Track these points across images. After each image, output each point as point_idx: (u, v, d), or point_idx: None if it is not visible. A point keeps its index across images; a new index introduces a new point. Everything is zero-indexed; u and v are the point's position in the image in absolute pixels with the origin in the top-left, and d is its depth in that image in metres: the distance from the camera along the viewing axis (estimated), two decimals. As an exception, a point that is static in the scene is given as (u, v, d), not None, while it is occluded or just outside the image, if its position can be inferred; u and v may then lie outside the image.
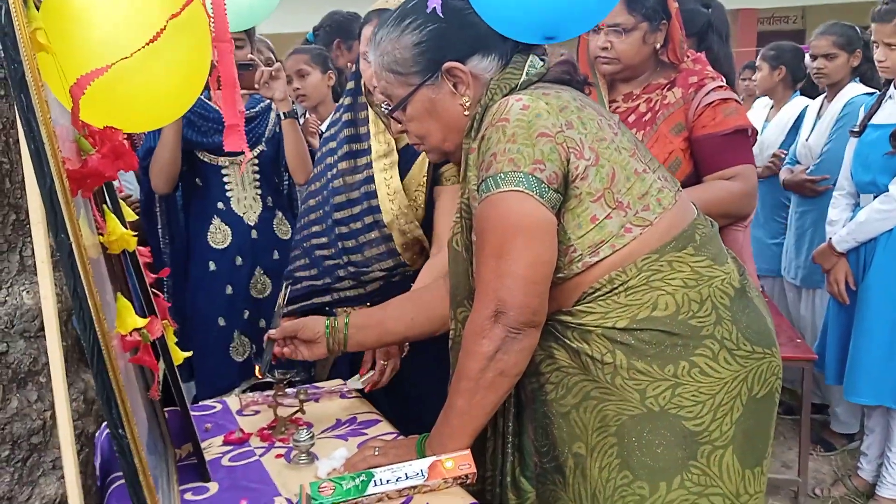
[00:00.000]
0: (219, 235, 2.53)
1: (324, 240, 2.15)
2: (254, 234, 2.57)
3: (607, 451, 1.29)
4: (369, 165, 2.07)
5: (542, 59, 1.44)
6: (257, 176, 2.60)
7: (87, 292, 0.95)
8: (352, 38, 3.36)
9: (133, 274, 1.44)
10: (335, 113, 2.21)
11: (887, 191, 2.68)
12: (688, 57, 2.23)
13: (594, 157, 1.27)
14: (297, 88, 3.02)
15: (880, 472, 2.95)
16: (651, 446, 1.26)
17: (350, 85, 2.15)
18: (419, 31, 1.38)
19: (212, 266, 2.53)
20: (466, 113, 1.39)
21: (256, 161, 2.59)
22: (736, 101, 2.17)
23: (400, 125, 1.49)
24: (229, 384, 2.50)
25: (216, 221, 2.53)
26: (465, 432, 1.36)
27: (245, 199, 2.56)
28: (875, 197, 2.75)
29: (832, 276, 2.86)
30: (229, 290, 2.53)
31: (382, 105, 1.52)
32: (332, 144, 2.17)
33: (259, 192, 2.59)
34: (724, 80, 2.61)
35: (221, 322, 2.53)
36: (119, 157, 1.03)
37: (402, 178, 2.03)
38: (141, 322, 1.15)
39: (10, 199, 1.27)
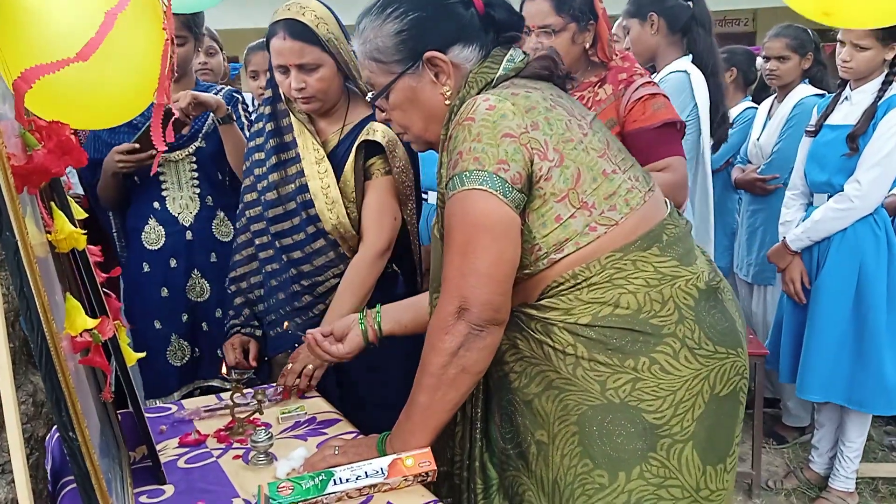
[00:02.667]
0: (153, 236, 2.44)
1: (270, 252, 2.12)
2: (189, 235, 2.46)
3: (569, 439, 1.30)
4: (301, 174, 2.05)
5: (525, 53, 1.44)
6: (195, 174, 2.48)
7: (34, 292, 0.92)
8: None
9: (83, 273, 1.40)
10: (256, 123, 2.18)
11: (842, 191, 2.74)
12: (616, 55, 2.29)
13: (558, 157, 1.28)
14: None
15: (832, 464, 3.01)
16: (611, 436, 1.27)
17: (267, 93, 2.12)
18: (401, 19, 1.38)
19: (146, 267, 2.44)
20: (447, 102, 1.40)
21: (194, 158, 2.47)
22: (664, 95, 2.24)
23: (384, 114, 1.49)
24: (167, 388, 2.44)
25: (151, 222, 2.43)
26: (427, 428, 1.36)
27: (181, 198, 2.46)
28: (829, 197, 2.79)
29: (787, 275, 2.90)
30: (165, 292, 2.44)
31: (368, 94, 1.51)
32: (260, 155, 2.14)
33: (197, 190, 2.47)
34: (710, 71, 2.69)
35: (157, 325, 2.44)
36: (66, 152, 1.00)
37: (336, 181, 2.02)
38: (91, 322, 1.12)
39: (-46, 196, 1.23)
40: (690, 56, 2.75)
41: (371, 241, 2.03)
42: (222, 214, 2.53)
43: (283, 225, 2.09)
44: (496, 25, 1.42)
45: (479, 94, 1.35)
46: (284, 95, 2.06)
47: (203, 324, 2.49)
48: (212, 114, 2.41)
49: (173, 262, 2.44)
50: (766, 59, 3.50)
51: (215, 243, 2.50)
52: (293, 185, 2.07)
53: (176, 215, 2.44)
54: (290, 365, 1.91)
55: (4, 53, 0.94)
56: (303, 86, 1.95)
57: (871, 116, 2.67)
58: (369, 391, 2.10)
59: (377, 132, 2.01)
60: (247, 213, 2.18)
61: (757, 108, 3.79)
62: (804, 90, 3.44)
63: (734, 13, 13.40)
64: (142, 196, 2.46)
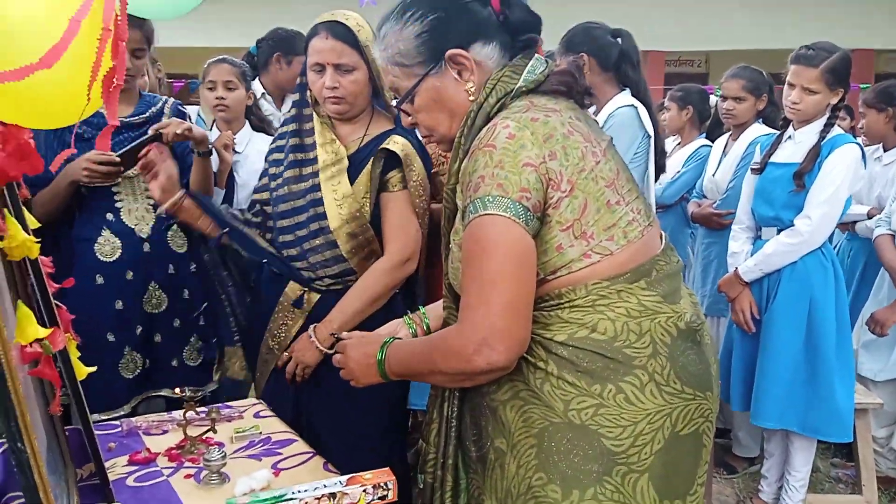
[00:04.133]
0: (107, 248, 2.36)
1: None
2: (146, 247, 2.40)
3: (527, 451, 1.30)
4: (315, 175, 2.08)
5: (546, 63, 1.44)
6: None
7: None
8: (292, 53, 3.48)
9: (35, 283, 1.36)
10: (282, 126, 2.22)
11: (791, 225, 2.81)
12: None
13: (570, 188, 1.28)
14: (223, 98, 2.95)
15: (780, 494, 3.06)
16: (568, 454, 1.27)
17: (295, 96, 2.17)
18: (420, 21, 1.39)
19: (99, 279, 2.36)
20: (472, 98, 1.40)
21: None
22: None
23: (410, 118, 1.49)
24: (117, 401, 2.36)
25: (105, 233, 2.35)
26: (406, 372, 1.45)
27: (136, 209, 2.39)
28: (779, 231, 2.86)
29: (738, 305, 2.95)
30: (119, 304, 2.37)
31: (392, 99, 1.52)
32: (279, 155, 2.18)
33: (152, 201, 2.39)
34: (643, 107, 2.72)
35: (111, 337, 2.36)
36: (24, 157, 0.97)
37: (350, 184, 2.06)
38: (43, 332, 1.08)
39: None
40: (628, 90, 2.79)
41: (393, 250, 2.06)
42: (177, 226, 2.48)
43: (289, 220, 2.11)
44: (513, 25, 1.42)
45: (497, 103, 1.36)
46: (312, 99, 2.10)
47: (157, 335, 2.45)
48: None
49: (129, 275, 2.39)
50: (724, 98, 3.60)
51: (172, 255, 2.47)
52: (307, 184, 2.09)
53: (132, 227, 2.39)
54: (286, 355, 2.02)
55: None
56: (336, 86, 2.01)
57: (815, 155, 2.77)
58: (327, 416, 2.09)
59: (397, 143, 2.05)
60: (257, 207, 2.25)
61: (711, 146, 3.89)
62: (758, 129, 3.53)
63: (688, 55, 13.83)
64: (92, 207, 2.38)
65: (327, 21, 2.03)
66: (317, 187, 2.07)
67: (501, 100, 1.36)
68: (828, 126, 2.79)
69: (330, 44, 2.00)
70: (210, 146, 2.37)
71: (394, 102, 1.53)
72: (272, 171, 2.19)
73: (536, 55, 1.43)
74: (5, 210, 1.25)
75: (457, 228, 1.39)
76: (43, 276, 1.37)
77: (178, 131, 2.23)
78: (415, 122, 1.49)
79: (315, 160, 2.08)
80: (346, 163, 2.07)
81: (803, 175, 2.77)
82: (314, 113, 2.12)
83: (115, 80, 1.05)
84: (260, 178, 2.29)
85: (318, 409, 2.09)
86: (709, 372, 1.37)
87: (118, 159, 2.25)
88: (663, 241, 1.44)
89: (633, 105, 2.70)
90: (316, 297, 2.10)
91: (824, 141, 2.77)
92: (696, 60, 14.16)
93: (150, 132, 2.27)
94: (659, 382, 1.29)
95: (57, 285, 1.44)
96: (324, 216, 2.05)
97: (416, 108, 1.45)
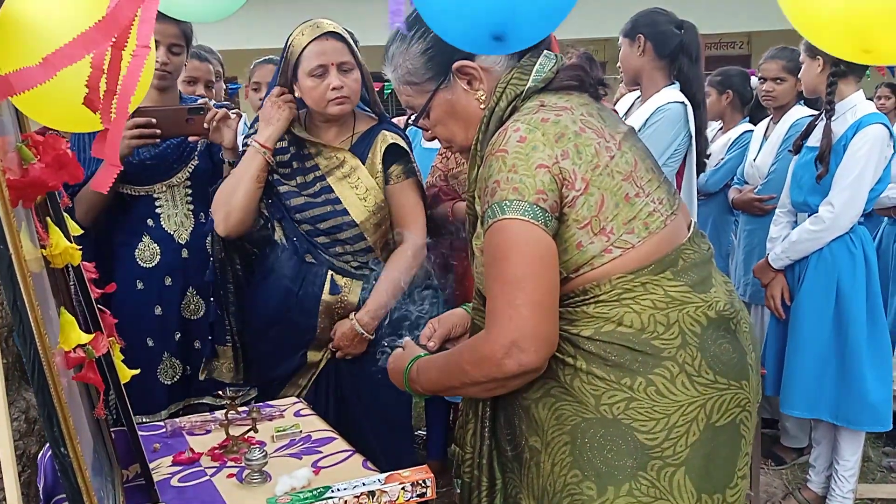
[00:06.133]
0: (147, 253, 2.40)
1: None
2: (185, 252, 2.42)
3: (560, 448, 1.30)
4: (322, 179, 2.15)
5: (556, 59, 1.43)
6: (189, 191, 2.44)
7: (27, 306, 0.92)
8: None
9: (78, 289, 1.40)
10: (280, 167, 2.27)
11: (817, 211, 2.76)
12: None
13: (584, 186, 1.28)
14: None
15: (829, 484, 3.00)
16: (602, 450, 1.27)
17: (284, 143, 2.22)
18: (424, 38, 1.41)
19: (139, 285, 2.39)
20: (482, 106, 1.42)
21: (188, 175, 2.44)
22: None
23: (428, 132, 1.52)
24: (155, 406, 2.39)
25: (145, 239, 2.38)
26: (438, 389, 1.45)
27: (176, 215, 2.42)
28: (809, 216, 2.82)
29: (769, 292, 2.94)
30: (158, 310, 2.40)
31: (409, 118, 1.56)
32: (286, 171, 2.23)
33: (191, 207, 2.43)
34: (692, 100, 2.69)
35: (150, 343, 2.39)
36: (62, 166, 0.99)
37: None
38: (86, 338, 1.11)
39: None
40: (678, 85, 2.76)
41: (415, 236, 2.18)
42: (214, 232, 2.51)
43: (307, 213, 2.18)
44: None
45: (508, 106, 1.36)
46: (299, 118, 2.20)
47: (196, 342, 2.47)
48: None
49: (168, 280, 2.42)
50: (763, 80, 3.53)
51: (209, 261, 2.49)
52: (316, 187, 2.18)
53: (171, 233, 2.41)
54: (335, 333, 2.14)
55: (3, 65, 0.94)
56: (342, 85, 2.08)
57: (829, 139, 2.70)
58: (365, 411, 2.12)
59: (396, 138, 2.20)
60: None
61: (754, 131, 3.81)
62: (800, 111, 3.46)
63: (729, 36, 13.53)
64: (133, 213, 2.41)
65: (325, 31, 2.10)
66: (328, 189, 2.15)
67: (512, 102, 1.36)
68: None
69: (331, 44, 2.09)
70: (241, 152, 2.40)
71: (410, 119, 1.55)
72: (283, 188, 2.22)
73: (545, 52, 1.42)
74: (47, 218, 1.29)
75: (478, 234, 1.39)
76: (86, 281, 1.40)
77: (219, 116, 2.27)
78: (433, 135, 1.51)
79: (317, 167, 2.17)
80: (353, 160, 2.16)
81: (824, 158, 2.71)
82: (295, 134, 2.20)
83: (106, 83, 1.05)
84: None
85: (357, 400, 2.15)
86: (745, 361, 1.35)
87: (153, 120, 2.25)
88: (691, 228, 1.41)
89: (683, 102, 2.67)
90: (354, 283, 2.18)
91: (849, 124, 2.71)
92: (737, 41, 13.87)
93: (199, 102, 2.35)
94: (690, 373, 1.27)
95: (100, 291, 1.47)
96: (345, 212, 2.14)
97: (433, 122, 1.48)
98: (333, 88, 2.07)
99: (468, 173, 1.42)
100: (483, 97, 1.41)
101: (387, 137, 2.18)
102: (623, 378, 1.26)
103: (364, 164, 2.16)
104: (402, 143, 2.20)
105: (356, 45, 2.15)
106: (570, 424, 1.29)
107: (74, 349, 1.11)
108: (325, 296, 2.16)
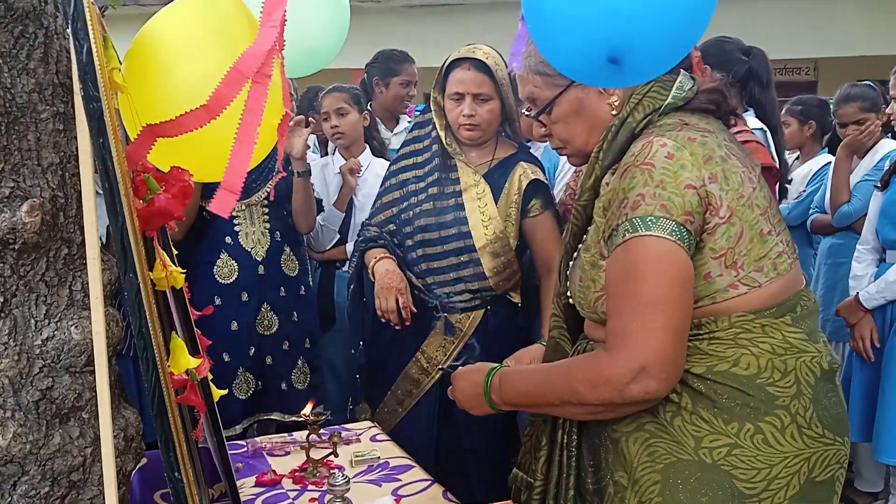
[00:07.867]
0: (225, 270, 2.47)
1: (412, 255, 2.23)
2: (261, 269, 2.50)
3: (650, 487, 1.25)
4: (458, 194, 2.21)
5: (693, 79, 1.39)
6: (266, 209, 2.53)
7: (151, 333, 0.94)
8: (389, 76, 3.61)
9: (180, 311, 1.43)
10: (403, 146, 2.34)
11: None
12: None
13: (728, 214, 1.23)
14: (336, 126, 3.04)
15: (907, 532, 2.89)
16: (696, 494, 1.22)
17: (429, 115, 2.28)
18: None
19: (217, 301, 2.45)
20: (614, 112, 1.36)
21: (266, 195, 2.53)
22: (757, 141, 2.23)
23: (544, 129, 1.46)
24: (231, 421, 2.45)
25: (224, 256, 2.47)
26: (525, 403, 1.40)
27: (253, 233, 2.50)
28: (905, 255, 2.73)
29: (857, 332, 2.82)
30: (234, 325, 2.47)
31: (525, 110, 1.49)
32: (406, 175, 2.29)
33: (268, 226, 2.52)
34: (768, 125, 2.66)
35: (226, 357, 2.45)
36: (186, 197, 1.02)
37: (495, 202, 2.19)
38: (194, 362, 1.13)
39: (63, 233, 1.26)
40: (752, 111, 2.71)
41: (554, 274, 2.17)
42: (289, 250, 2.58)
43: (433, 234, 2.21)
44: None
45: (644, 119, 1.31)
46: (447, 125, 2.23)
47: (268, 357, 2.52)
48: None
49: (244, 296, 2.48)
50: (843, 125, 3.44)
51: (284, 278, 2.55)
52: (451, 202, 2.22)
53: (249, 250, 2.48)
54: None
55: (137, 107, 0.97)
56: (473, 114, 2.17)
57: None
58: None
59: (536, 171, 2.23)
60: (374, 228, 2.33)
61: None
62: (889, 144, 3.34)
63: (795, 62, 13.26)
64: (213, 231, 2.49)
65: (469, 57, 2.16)
66: (461, 206, 2.19)
67: (649, 116, 1.31)
68: None
69: (471, 75, 2.15)
70: (307, 165, 2.52)
71: (525, 112, 1.50)
72: (413, 186, 2.27)
73: (682, 71, 1.37)
74: (154, 241, 1.32)
75: (588, 245, 1.34)
76: (187, 303, 1.44)
77: (293, 122, 2.41)
78: (549, 132, 1.45)
79: (458, 181, 2.21)
80: (487, 185, 2.19)
81: None
82: (440, 136, 2.23)
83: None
84: (376, 201, 2.35)
85: (451, 436, 2.19)
86: (845, 416, 1.31)
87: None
88: (805, 277, 1.38)
89: (763, 129, 2.63)
90: (466, 318, 2.19)
91: None
92: (803, 68, 13.60)
93: None
94: (801, 425, 1.23)
95: (198, 312, 1.51)
96: (469, 235, 2.17)
97: (554, 119, 1.42)
98: (465, 115, 2.15)
99: (583, 181, 1.37)
100: (616, 103, 1.36)
101: (527, 171, 2.22)
102: (731, 423, 1.22)
103: (501, 193, 2.20)
104: (542, 177, 2.25)
105: (506, 72, 2.17)
106: (662, 463, 1.25)
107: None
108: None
